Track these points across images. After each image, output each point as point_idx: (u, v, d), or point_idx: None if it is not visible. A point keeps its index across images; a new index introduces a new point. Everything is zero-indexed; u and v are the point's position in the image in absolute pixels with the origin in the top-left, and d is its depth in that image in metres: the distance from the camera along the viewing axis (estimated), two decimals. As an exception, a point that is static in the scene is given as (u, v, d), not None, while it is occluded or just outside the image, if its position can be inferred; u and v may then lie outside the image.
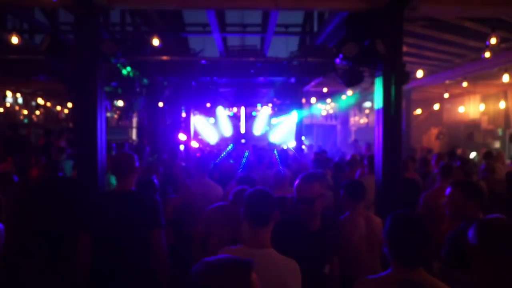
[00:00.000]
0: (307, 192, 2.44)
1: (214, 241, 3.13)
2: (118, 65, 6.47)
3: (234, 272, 1.32)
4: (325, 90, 11.93)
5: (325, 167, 5.93)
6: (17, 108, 13.82)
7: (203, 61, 7.64)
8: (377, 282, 1.91)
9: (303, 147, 11.27)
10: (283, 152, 8.07)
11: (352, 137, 19.73)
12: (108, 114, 10.53)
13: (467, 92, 12.95)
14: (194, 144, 11.16)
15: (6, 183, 4.11)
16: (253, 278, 1.35)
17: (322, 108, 17.29)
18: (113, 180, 4.86)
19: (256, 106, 14.74)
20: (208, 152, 9.77)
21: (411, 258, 1.85)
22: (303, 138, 11.21)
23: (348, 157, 7.52)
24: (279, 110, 12.59)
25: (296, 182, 2.52)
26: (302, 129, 11.04)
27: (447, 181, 4.24)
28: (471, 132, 13.42)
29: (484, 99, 12.85)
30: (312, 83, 10.33)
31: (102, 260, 2.71)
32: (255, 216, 2.13)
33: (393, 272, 1.88)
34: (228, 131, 14.78)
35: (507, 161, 8.77)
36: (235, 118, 14.93)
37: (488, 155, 6.87)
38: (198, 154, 8.44)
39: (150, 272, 2.71)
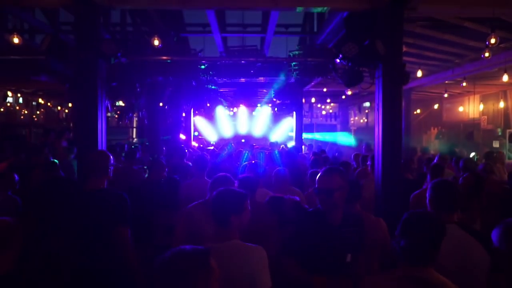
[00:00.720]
0: (327, 184, 2.52)
1: (194, 239, 3.14)
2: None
3: (192, 259, 1.46)
4: (325, 90, 11.93)
5: (324, 166, 5.94)
6: (17, 108, 13.83)
7: (203, 61, 7.64)
8: (386, 277, 1.94)
9: (303, 147, 11.28)
10: (283, 152, 8.08)
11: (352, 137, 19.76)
12: (108, 114, 10.53)
13: (466, 92, 12.96)
14: (194, 144, 11.16)
15: (7, 182, 4.13)
16: (212, 262, 1.50)
17: (322, 108, 17.31)
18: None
19: (256, 106, 14.76)
20: (208, 152, 9.78)
21: (421, 257, 1.86)
22: (303, 138, 11.23)
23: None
24: (279, 110, 12.60)
25: (319, 175, 2.60)
26: (302, 129, 11.05)
27: None
28: (470, 132, 13.43)
29: (483, 99, 12.86)
30: (312, 83, 10.33)
31: (71, 258, 2.75)
32: (216, 218, 2.27)
33: (403, 269, 1.91)
34: (228, 131, 14.80)
35: (510, 161, 8.77)
36: (235, 118, 14.94)
37: (489, 156, 6.87)
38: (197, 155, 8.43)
39: (118, 270, 2.73)
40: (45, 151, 6.34)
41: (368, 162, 5.59)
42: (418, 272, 1.84)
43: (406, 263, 1.89)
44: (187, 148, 10.03)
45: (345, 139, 13.88)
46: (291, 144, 11.87)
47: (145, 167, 6.94)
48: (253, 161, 5.79)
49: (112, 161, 2.99)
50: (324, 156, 7.44)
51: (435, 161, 6.38)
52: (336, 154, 10.60)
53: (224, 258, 2.09)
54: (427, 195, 2.56)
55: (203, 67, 7.92)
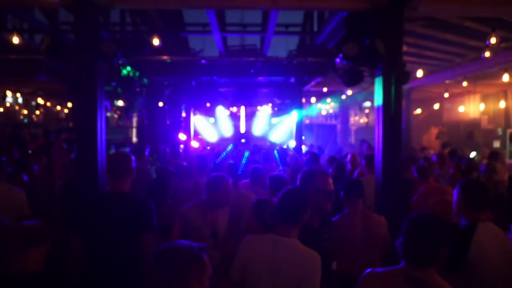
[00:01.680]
0: (327, 185, 2.57)
1: (191, 239, 3.14)
2: (120, 65, 6.48)
3: (186, 253, 1.47)
4: (325, 89, 11.92)
5: (316, 165, 5.96)
6: (17, 108, 13.82)
7: (203, 61, 7.64)
8: (384, 274, 1.96)
9: (303, 147, 11.27)
10: (283, 152, 8.07)
11: (352, 137, 19.75)
12: (108, 114, 10.53)
13: (467, 92, 12.95)
14: (194, 144, 11.16)
15: (18, 182, 4.19)
16: (206, 259, 1.52)
17: (322, 108, 17.30)
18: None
19: (256, 106, 14.74)
20: (208, 152, 9.77)
21: (421, 258, 1.87)
22: (303, 138, 11.22)
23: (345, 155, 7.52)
24: (279, 110, 12.59)
25: (318, 176, 2.62)
26: (302, 129, 11.04)
27: (428, 183, 4.30)
28: (471, 131, 13.42)
29: (484, 98, 12.85)
30: (312, 83, 10.33)
31: (93, 262, 2.69)
32: (286, 215, 2.29)
33: (403, 268, 1.91)
34: (228, 131, 14.78)
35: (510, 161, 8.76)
36: (235, 118, 14.93)
37: (493, 156, 6.86)
38: (197, 154, 8.44)
39: (140, 276, 2.66)
40: (44, 152, 6.34)
41: (363, 163, 5.57)
42: (418, 273, 1.85)
43: (407, 263, 1.90)
44: (186, 148, 10.03)
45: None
46: (291, 144, 11.86)
47: (148, 166, 6.95)
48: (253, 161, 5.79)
49: (134, 163, 2.95)
50: (314, 154, 7.42)
51: (433, 160, 6.38)
52: (336, 154, 10.60)
53: (284, 252, 2.18)
54: (455, 195, 2.58)
55: (203, 67, 7.92)
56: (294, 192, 2.35)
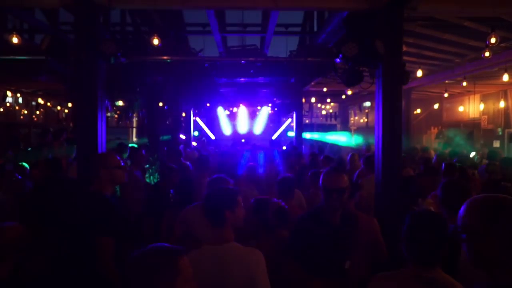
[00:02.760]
0: (338, 183, 2.53)
1: (191, 241, 3.13)
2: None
3: (163, 258, 1.45)
4: (325, 90, 11.93)
5: (318, 165, 5.95)
6: (17, 108, 13.82)
7: (203, 61, 7.65)
8: (392, 277, 1.94)
9: (303, 147, 11.27)
10: (283, 152, 8.08)
11: (352, 137, 19.75)
12: (108, 114, 10.52)
13: (467, 92, 12.96)
14: (194, 144, 11.17)
15: (8, 181, 4.15)
16: (183, 262, 1.48)
17: (322, 108, 17.31)
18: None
19: (256, 106, 14.76)
20: (208, 152, 9.78)
21: (427, 257, 1.86)
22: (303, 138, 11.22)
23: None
24: (279, 109, 12.60)
25: (325, 174, 2.60)
26: (302, 129, 11.05)
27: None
28: (470, 131, 13.43)
29: (483, 98, 12.86)
30: (312, 83, 10.33)
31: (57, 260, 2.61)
32: (210, 216, 2.23)
33: (410, 269, 1.90)
34: (228, 131, 14.80)
35: None
36: (235, 118, 14.95)
37: (493, 156, 6.85)
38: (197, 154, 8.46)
39: (96, 279, 2.56)
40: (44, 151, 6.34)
41: (362, 166, 5.54)
42: (426, 272, 1.84)
43: (414, 263, 1.89)
44: (186, 148, 10.03)
45: (345, 139, 13.88)
46: (291, 144, 11.86)
47: (147, 166, 6.94)
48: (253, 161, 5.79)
49: (121, 163, 2.90)
50: (323, 155, 7.42)
51: (433, 160, 6.39)
52: (336, 154, 10.60)
53: (223, 260, 2.09)
54: (438, 194, 2.57)
55: (203, 67, 7.92)
56: (218, 191, 2.31)
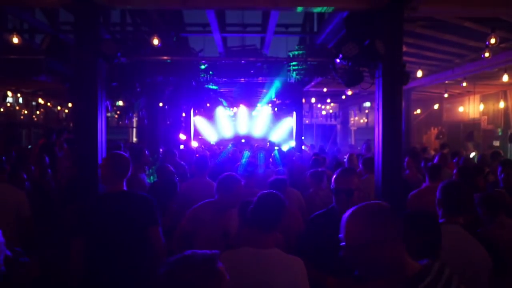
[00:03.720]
0: (348, 184, 2.55)
1: (201, 240, 3.13)
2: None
3: (200, 268, 1.35)
4: (325, 90, 11.94)
5: (323, 166, 5.94)
6: (17, 108, 13.82)
7: (203, 61, 7.65)
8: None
9: (303, 147, 11.27)
10: (283, 152, 8.08)
11: (352, 137, 19.75)
12: (108, 114, 10.52)
13: (466, 92, 12.96)
14: (194, 144, 11.17)
15: (18, 181, 4.19)
16: (219, 268, 1.39)
17: (322, 108, 17.32)
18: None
19: (256, 106, 14.75)
20: (208, 152, 9.78)
21: (425, 256, 1.85)
22: (303, 138, 11.22)
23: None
24: (279, 110, 12.59)
25: (335, 175, 2.62)
26: (302, 129, 11.05)
27: (435, 182, 4.25)
28: (470, 132, 13.43)
29: (483, 99, 12.86)
30: (312, 83, 10.33)
31: (101, 262, 2.69)
32: (264, 222, 2.17)
33: None
34: (228, 131, 14.80)
35: None
36: (235, 118, 14.95)
37: (494, 156, 6.83)
38: (197, 154, 8.46)
39: (151, 270, 2.71)
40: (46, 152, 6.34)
41: (360, 167, 5.51)
42: None
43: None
44: (187, 148, 10.03)
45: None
46: (291, 144, 11.87)
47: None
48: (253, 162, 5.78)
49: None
50: (322, 156, 7.43)
51: (435, 160, 6.37)
52: (336, 154, 10.60)
53: (267, 265, 2.07)
54: (437, 195, 2.57)
55: (203, 67, 7.92)
56: (271, 196, 2.27)
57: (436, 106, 14.78)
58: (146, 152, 5.71)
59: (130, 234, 2.70)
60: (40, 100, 13.60)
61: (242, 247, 2.18)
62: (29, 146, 8.16)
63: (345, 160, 6.91)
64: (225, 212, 3.17)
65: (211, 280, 1.35)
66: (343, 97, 14.22)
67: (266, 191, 2.35)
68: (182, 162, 6.27)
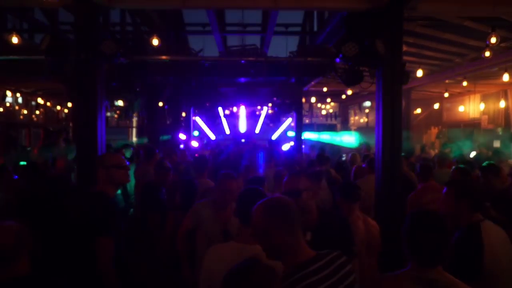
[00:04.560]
0: (293, 185, 2.50)
1: (201, 235, 3.16)
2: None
3: (269, 273, 1.62)
4: (325, 89, 11.93)
5: (326, 165, 5.94)
6: (17, 108, 13.81)
7: (203, 61, 7.64)
8: (395, 279, 1.92)
9: (303, 146, 11.27)
10: (283, 152, 8.08)
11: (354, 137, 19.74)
12: (108, 114, 10.52)
13: (467, 92, 12.95)
14: (194, 144, 11.16)
15: (6, 180, 4.17)
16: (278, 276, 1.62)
17: (322, 108, 17.32)
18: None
19: (256, 106, 14.75)
20: (208, 152, 9.78)
21: (429, 257, 1.85)
22: (303, 138, 11.22)
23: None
24: (279, 109, 12.59)
25: (285, 179, 2.60)
26: (302, 129, 11.04)
27: (427, 182, 4.26)
28: (471, 131, 13.42)
29: (484, 98, 12.85)
30: (312, 83, 10.33)
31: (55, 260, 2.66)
32: (245, 214, 2.18)
33: (411, 270, 1.89)
34: (228, 131, 14.79)
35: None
36: (235, 118, 14.94)
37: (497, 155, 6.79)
38: (196, 154, 8.46)
39: (94, 280, 2.53)
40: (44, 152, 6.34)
41: (363, 165, 5.53)
42: (427, 273, 1.83)
43: (416, 263, 1.88)
44: (187, 148, 10.02)
45: (349, 139, 13.85)
46: (291, 143, 11.87)
47: None
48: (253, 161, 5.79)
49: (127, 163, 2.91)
50: (326, 155, 7.41)
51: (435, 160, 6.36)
52: (337, 154, 10.59)
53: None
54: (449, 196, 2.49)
55: (203, 67, 7.91)
56: (250, 191, 2.34)
57: (436, 106, 14.77)
58: (156, 150, 5.88)
59: (77, 239, 2.57)
60: (40, 100, 13.59)
61: (230, 242, 2.25)
62: (28, 148, 8.15)
63: (343, 159, 6.92)
64: (224, 210, 3.18)
65: (274, 283, 1.63)
66: (343, 96, 14.21)
67: (247, 187, 2.40)
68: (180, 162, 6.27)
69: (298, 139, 10.87)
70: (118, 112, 10.17)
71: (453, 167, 4.71)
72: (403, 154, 4.83)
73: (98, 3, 4.25)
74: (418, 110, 15.61)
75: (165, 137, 9.87)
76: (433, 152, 10.10)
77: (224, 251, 2.16)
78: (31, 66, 7.58)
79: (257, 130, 14.82)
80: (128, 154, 7.15)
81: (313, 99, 15.07)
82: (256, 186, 2.45)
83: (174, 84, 9.88)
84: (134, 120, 15.07)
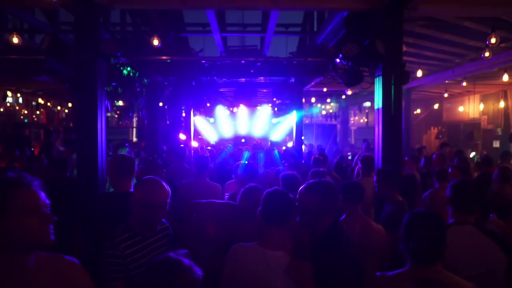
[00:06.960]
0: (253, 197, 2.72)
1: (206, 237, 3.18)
2: (119, 66, 6.50)
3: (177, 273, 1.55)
4: (325, 89, 11.94)
5: (325, 166, 5.93)
6: (17, 108, 13.82)
7: (203, 61, 7.63)
8: (394, 279, 1.92)
9: (303, 146, 11.27)
10: (283, 152, 8.08)
11: (352, 137, 19.75)
12: (108, 114, 10.51)
13: (466, 92, 12.96)
14: (194, 144, 11.17)
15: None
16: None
17: (322, 108, 17.31)
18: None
19: (256, 106, 14.76)
20: (208, 152, 9.78)
21: (428, 256, 1.85)
22: (303, 138, 11.21)
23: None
24: (279, 110, 12.59)
25: (241, 192, 2.84)
26: (302, 129, 11.04)
27: (444, 183, 4.27)
28: (470, 131, 13.43)
29: (483, 98, 12.86)
30: (312, 83, 10.33)
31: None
32: (272, 215, 2.18)
33: (410, 269, 1.89)
34: (228, 131, 14.80)
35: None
36: (235, 118, 14.94)
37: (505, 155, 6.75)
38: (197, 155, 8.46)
39: None
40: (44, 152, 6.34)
41: (359, 165, 5.49)
42: (427, 272, 1.83)
43: (414, 263, 1.88)
44: (187, 148, 10.02)
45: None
46: (291, 144, 11.87)
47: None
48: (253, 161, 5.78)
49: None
50: (324, 156, 7.41)
51: (433, 157, 6.34)
52: (336, 155, 10.60)
53: (271, 265, 2.13)
54: (446, 193, 2.57)
55: (203, 67, 7.90)
56: (280, 192, 2.28)
57: (436, 106, 14.78)
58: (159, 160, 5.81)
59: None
60: (40, 100, 13.58)
61: (252, 243, 2.20)
62: (32, 149, 8.15)
63: (345, 158, 6.91)
64: (241, 218, 3.11)
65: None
66: (343, 97, 14.22)
67: (273, 188, 2.35)
68: (188, 167, 6.25)
69: (298, 139, 10.87)
70: (118, 112, 10.15)
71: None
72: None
73: (98, 3, 4.26)
74: (418, 110, 15.62)
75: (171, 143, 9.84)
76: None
77: (249, 253, 2.13)
78: (31, 66, 7.58)
79: (257, 130, 14.82)
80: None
81: (313, 99, 15.08)
82: (278, 188, 2.39)
83: (174, 84, 9.88)
84: (134, 120, 15.07)
